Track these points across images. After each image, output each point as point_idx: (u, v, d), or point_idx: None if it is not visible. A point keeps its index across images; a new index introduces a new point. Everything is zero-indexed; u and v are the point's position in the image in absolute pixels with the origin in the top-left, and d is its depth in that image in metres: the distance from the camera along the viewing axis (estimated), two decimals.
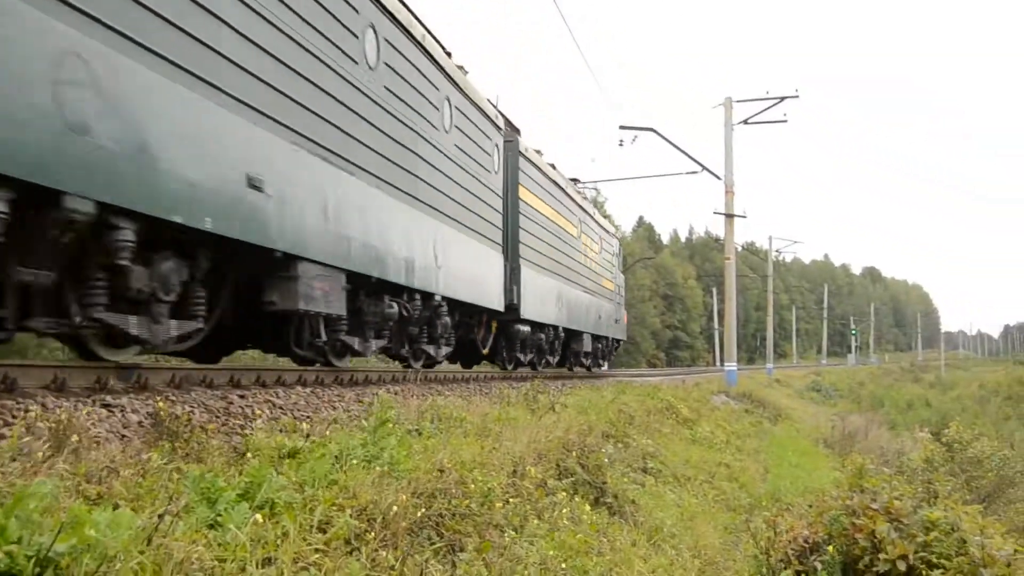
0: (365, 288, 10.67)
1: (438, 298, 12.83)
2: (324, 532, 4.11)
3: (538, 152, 20.55)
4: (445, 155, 12.99)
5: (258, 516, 3.89)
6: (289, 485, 4.43)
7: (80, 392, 6.13)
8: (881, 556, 6.37)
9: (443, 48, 13.08)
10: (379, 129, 10.45)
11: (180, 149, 6.66)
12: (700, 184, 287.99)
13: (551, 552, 5.25)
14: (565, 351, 23.66)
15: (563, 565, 5.13)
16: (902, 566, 6.24)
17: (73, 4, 5.58)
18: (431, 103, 12.34)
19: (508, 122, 17.84)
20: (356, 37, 9.77)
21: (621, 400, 14.46)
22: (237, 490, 4.14)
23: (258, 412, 6.73)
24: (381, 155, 10.52)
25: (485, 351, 17.35)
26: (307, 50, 8.63)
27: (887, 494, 7.20)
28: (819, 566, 6.68)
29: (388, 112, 10.73)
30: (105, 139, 5.87)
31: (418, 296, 12.10)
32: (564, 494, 6.79)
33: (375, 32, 10.29)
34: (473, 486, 5.46)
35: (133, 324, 6.83)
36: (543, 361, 21.71)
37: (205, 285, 7.75)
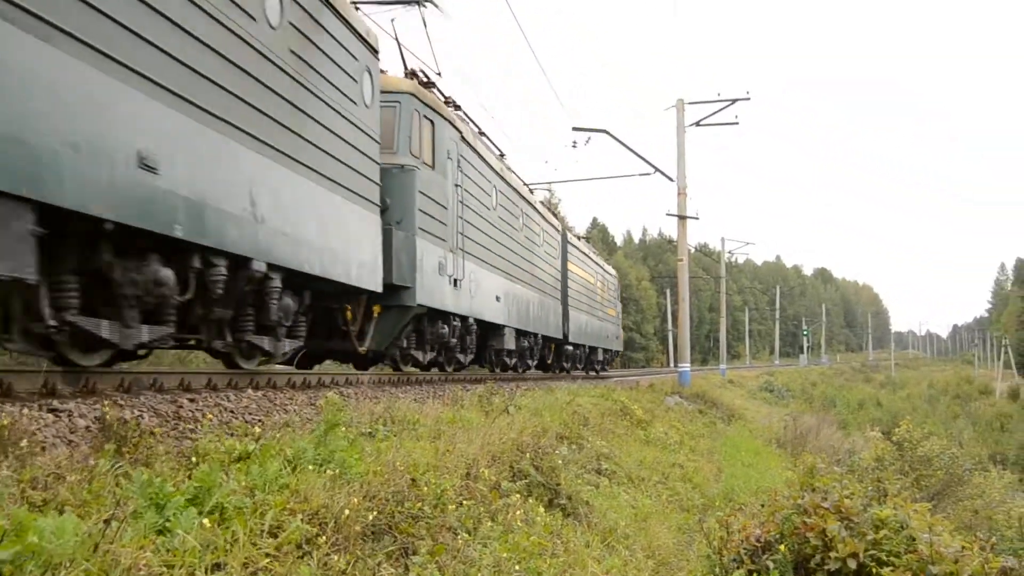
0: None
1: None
2: (275, 537, 4.07)
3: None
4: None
5: (206, 521, 3.84)
6: (239, 490, 4.39)
7: (26, 397, 6.04)
8: (832, 554, 6.43)
9: None
10: None
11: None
12: (654, 186, 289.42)
13: (505, 554, 5.24)
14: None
15: (517, 567, 5.12)
16: (852, 564, 6.30)
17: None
18: None
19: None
20: None
21: (575, 402, 14.48)
22: (186, 495, 4.09)
23: (208, 416, 6.66)
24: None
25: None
26: None
27: (838, 493, 7.26)
28: (771, 565, 6.73)
29: None
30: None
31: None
32: (518, 496, 6.77)
33: None
34: (426, 488, 5.44)
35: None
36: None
37: None
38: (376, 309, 13.29)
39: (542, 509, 6.94)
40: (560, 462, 8.52)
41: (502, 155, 21.34)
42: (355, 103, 11.85)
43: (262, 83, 9.13)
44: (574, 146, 32.00)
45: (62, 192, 6.12)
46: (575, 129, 30.45)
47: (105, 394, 6.69)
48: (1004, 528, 16.83)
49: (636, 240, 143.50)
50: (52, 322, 6.56)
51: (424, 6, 15.19)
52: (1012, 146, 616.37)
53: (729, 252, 73.42)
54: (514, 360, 23.19)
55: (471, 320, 17.54)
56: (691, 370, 32.04)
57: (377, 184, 12.69)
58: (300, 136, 10.03)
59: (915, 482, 17.49)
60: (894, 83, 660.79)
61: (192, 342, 9.31)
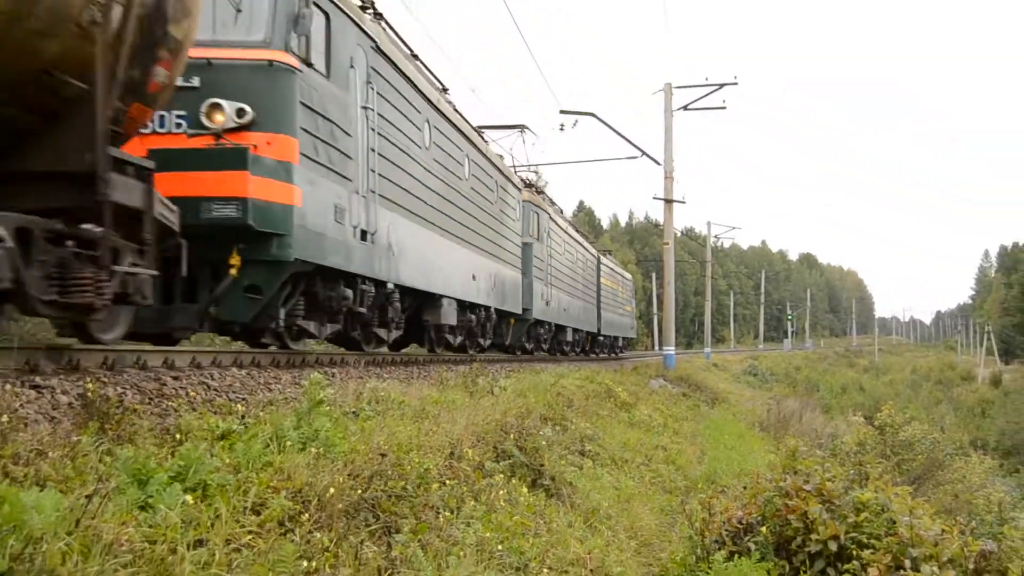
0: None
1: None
2: (258, 514, 4.07)
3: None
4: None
5: (188, 497, 3.84)
6: (222, 467, 4.39)
7: (8, 373, 6.01)
8: (813, 537, 6.47)
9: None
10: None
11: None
12: (641, 170, 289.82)
13: (488, 534, 5.26)
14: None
15: (499, 547, 5.14)
16: (833, 546, 6.34)
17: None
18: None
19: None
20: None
21: (560, 384, 14.51)
22: (169, 472, 4.09)
23: (192, 394, 6.64)
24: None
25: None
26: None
27: (819, 476, 7.31)
28: (752, 547, 6.76)
29: None
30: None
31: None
32: (501, 476, 6.80)
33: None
34: (410, 468, 5.45)
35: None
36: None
37: None
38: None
39: (525, 489, 6.97)
40: (544, 443, 8.54)
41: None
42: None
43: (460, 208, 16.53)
44: (561, 129, 31.93)
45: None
46: (563, 112, 30.41)
47: (88, 371, 6.67)
48: (984, 512, 16.96)
49: (622, 223, 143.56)
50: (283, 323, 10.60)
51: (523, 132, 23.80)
52: (996, 136, 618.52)
53: (715, 236, 73.62)
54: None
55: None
56: (676, 353, 32.14)
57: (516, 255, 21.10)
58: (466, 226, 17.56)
59: (896, 466, 17.61)
60: (881, 74, 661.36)
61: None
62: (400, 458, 5.52)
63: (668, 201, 31.03)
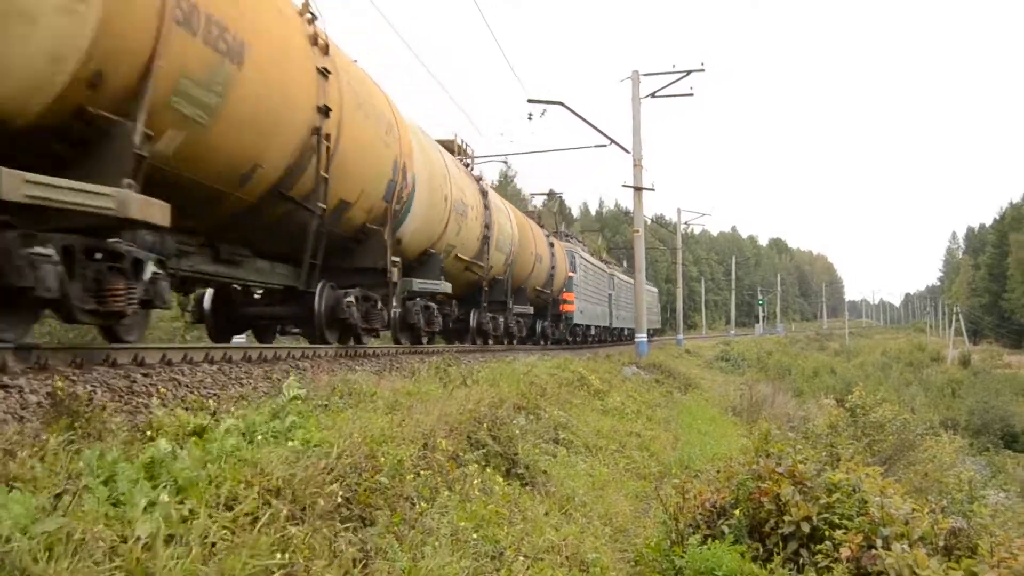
0: None
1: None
2: (231, 509, 4.06)
3: None
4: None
5: (164, 496, 3.82)
6: (194, 463, 4.36)
7: None
8: (786, 518, 6.52)
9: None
10: None
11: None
12: (610, 158, 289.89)
13: (462, 523, 5.27)
14: None
15: (474, 536, 5.15)
16: (806, 527, 6.39)
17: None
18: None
19: None
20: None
21: (533, 373, 14.52)
22: (140, 468, 4.07)
23: (162, 391, 6.61)
24: None
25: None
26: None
27: (791, 458, 7.36)
28: (726, 529, 6.81)
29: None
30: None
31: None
32: (476, 466, 6.81)
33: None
34: (383, 459, 5.45)
35: None
36: None
37: None
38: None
39: (500, 478, 6.99)
40: (517, 432, 8.56)
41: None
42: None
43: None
44: (529, 118, 31.94)
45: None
46: (531, 101, 30.38)
47: (57, 370, 6.60)
48: (954, 491, 17.13)
49: (592, 212, 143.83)
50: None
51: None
52: (963, 120, 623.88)
53: (685, 223, 73.88)
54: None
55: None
56: (648, 340, 32.24)
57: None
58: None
59: (867, 447, 17.73)
60: (849, 59, 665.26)
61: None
62: (374, 450, 5.51)
63: (637, 189, 31.10)
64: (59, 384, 5.32)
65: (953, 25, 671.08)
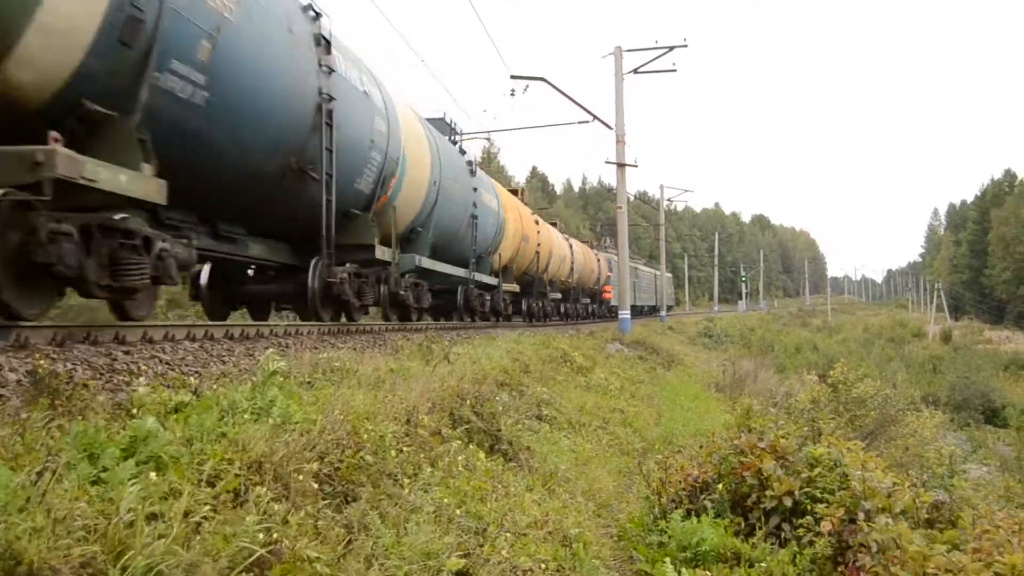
0: None
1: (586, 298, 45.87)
2: (213, 486, 4.04)
3: None
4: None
5: (153, 475, 3.81)
6: (176, 440, 4.35)
7: None
8: (768, 493, 6.55)
9: None
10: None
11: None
12: (593, 134, 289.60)
13: (446, 499, 5.27)
14: None
15: (458, 511, 5.16)
16: (788, 502, 6.43)
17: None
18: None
19: None
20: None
21: (516, 350, 14.53)
22: (120, 446, 4.05)
23: (143, 368, 6.58)
24: None
25: None
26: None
27: (773, 433, 7.39)
28: (709, 505, 6.85)
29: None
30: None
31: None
32: (458, 442, 6.81)
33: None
34: (366, 436, 5.44)
35: None
36: None
37: None
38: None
39: (483, 455, 6.99)
40: (500, 408, 8.56)
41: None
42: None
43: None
44: (512, 94, 31.86)
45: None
46: (513, 77, 30.27)
47: (37, 348, 6.57)
48: (935, 466, 17.28)
49: (576, 189, 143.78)
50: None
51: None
52: (944, 97, 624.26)
53: (668, 200, 73.83)
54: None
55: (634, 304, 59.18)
56: (631, 317, 32.30)
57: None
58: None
59: (849, 422, 17.86)
60: (831, 36, 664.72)
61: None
62: (356, 426, 5.51)
63: (620, 165, 31.06)
64: (40, 362, 5.29)
65: (938, 3, 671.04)
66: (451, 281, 21.41)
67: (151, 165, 7.91)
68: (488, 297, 24.85)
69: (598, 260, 48.34)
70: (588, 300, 46.44)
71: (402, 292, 16.55)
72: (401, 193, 16.26)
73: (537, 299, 33.03)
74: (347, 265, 13.73)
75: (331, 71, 11.89)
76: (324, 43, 11.79)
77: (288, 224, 12.41)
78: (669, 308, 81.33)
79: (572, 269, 39.04)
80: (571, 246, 40.31)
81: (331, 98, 11.80)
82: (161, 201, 8.10)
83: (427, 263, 17.71)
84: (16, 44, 6.57)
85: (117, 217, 7.75)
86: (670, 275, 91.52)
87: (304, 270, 12.51)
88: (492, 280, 25.14)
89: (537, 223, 32.24)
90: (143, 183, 7.78)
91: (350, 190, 13.38)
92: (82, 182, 6.84)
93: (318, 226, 12.25)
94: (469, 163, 22.54)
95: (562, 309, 38.95)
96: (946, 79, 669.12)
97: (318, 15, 11.79)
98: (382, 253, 14.62)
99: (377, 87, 14.73)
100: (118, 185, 7.38)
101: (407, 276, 17.02)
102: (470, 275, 22.40)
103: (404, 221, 16.91)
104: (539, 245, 31.39)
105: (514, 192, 33.65)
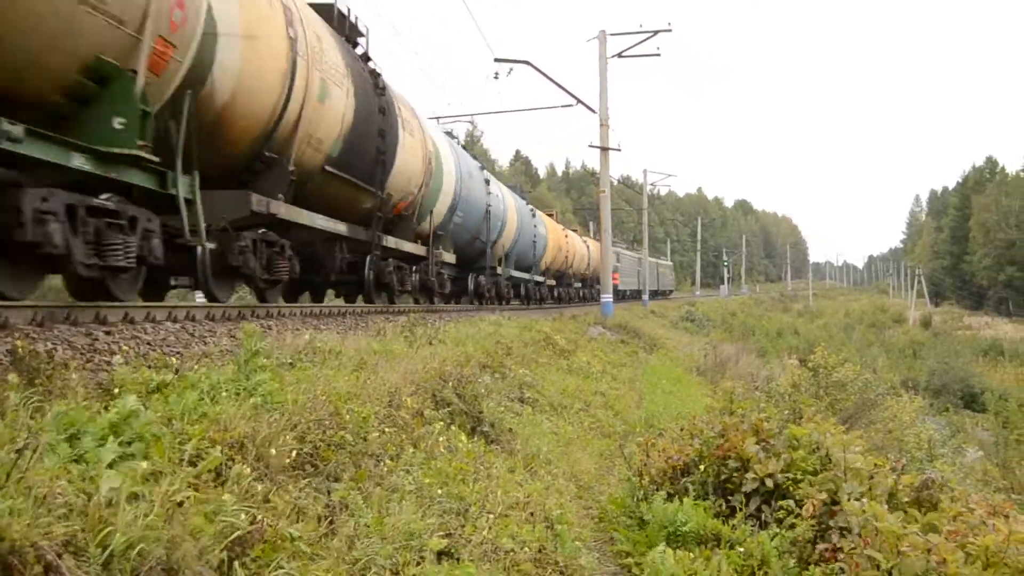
0: None
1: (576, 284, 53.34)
2: (194, 466, 4.04)
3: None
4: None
5: (135, 455, 3.79)
6: (157, 419, 4.33)
7: None
8: (748, 475, 6.58)
9: None
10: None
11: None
12: (577, 118, 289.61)
13: (428, 480, 5.28)
14: None
15: (439, 492, 5.17)
16: (770, 484, 6.46)
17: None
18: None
19: None
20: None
21: (499, 333, 14.54)
22: (102, 425, 4.03)
23: (124, 348, 6.56)
24: None
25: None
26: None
27: (754, 415, 7.42)
28: (690, 487, 6.88)
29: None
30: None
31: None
32: (441, 424, 6.82)
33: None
34: (348, 417, 5.44)
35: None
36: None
37: None
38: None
39: (464, 436, 7.00)
40: (483, 390, 8.58)
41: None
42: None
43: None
44: (496, 77, 31.77)
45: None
46: (497, 60, 30.22)
47: (17, 328, 6.54)
48: (914, 449, 17.41)
49: (559, 172, 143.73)
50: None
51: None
52: (926, 84, 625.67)
53: (651, 184, 73.89)
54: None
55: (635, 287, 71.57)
56: (614, 301, 32.36)
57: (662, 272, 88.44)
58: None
59: (829, 406, 17.94)
60: (813, 22, 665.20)
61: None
62: (339, 407, 5.51)
63: (604, 149, 31.07)
64: (20, 342, 5.27)
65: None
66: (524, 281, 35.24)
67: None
68: (537, 288, 38.91)
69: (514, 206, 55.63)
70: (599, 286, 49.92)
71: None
72: (501, 238, 29.41)
73: (565, 288, 47.89)
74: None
75: (490, 192, 27.03)
76: (486, 182, 27.15)
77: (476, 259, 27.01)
78: (671, 293, 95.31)
79: (588, 264, 52.14)
80: (588, 246, 53.95)
81: (489, 205, 26.86)
82: (452, 261, 22.77)
83: (516, 274, 32.62)
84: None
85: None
86: (671, 263, 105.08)
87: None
88: (540, 278, 38.82)
89: (567, 236, 46.18)
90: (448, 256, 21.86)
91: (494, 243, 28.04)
92: (446, 258, 18.70)
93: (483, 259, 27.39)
94: (532, 211, 36.55)
95: (581, 294, 52.65)
96: (929, 67, 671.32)
97: (482, 167, 26.91)
98: (503, 271, 30.16)
99: (491, 183, 28.49)
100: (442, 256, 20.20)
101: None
102: (532, 278, 36.15)
103: (501, 251, 29.72)
104: (567, 251, 44.90)
105: (550, 215, 48.24)
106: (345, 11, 15.62)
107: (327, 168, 13.73)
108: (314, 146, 12.98)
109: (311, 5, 13.79)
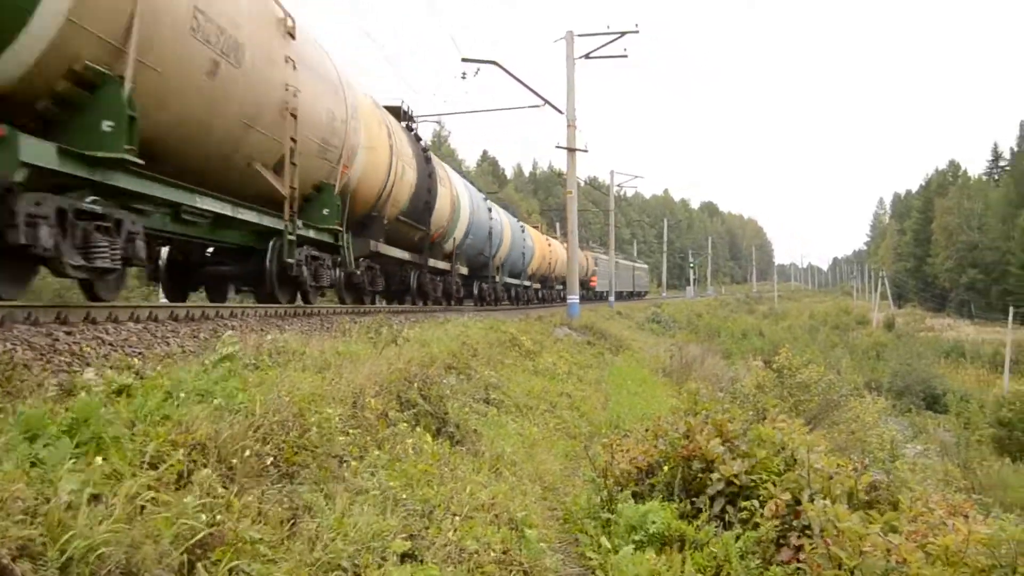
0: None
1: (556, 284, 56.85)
2: (156, 468, 4.00)
3: None
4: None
5: (99, 459, 3.75)
6: (118, 421, 4.29)
7: None
8: (713, 476, 6.60)
9: None
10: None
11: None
12: (544, 119, 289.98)
13: (392, 482, 5.26)
14: None
15: (404, 494, 5.15)
16: (735, 484, 6.48)
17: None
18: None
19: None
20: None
21: (465, 334, 14.52)
22: (61, 426, 3.99)
23: (86, 349, 6.49)
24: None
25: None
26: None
27: (718, 416, 7.45)
28: (654, 488, 6.89)
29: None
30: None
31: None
32: (405, 425, 6.80)
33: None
34: (312, 418, 5.41)
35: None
36: None
37: None
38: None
39: (430, 438, 6.98)
40: (448, 392, 8.56)
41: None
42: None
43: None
44: (463, 77, 31.80)
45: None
46: (464, 60, 30.15)
47: None
48: (876, 450, 17.57)
49: (527, 173, 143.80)
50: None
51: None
52: (891, 86, 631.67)
53: (618, 185, 74.04)
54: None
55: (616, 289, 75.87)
56: (580, 302, 32.40)
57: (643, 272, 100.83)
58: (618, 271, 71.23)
59: (793, 407, 18.08)
60: (779, 26, 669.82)
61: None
62: (302, 408, 5.48)
63: (571, 150, 31.08)
64: None
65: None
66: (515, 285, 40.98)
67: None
68: (525, 291, 44.65)
69: (587, 257, 63.56)
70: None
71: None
72: (499, 252, 34.60)
73: (548, 290, 53.34)
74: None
75: (492, 217, 31.98)
76: (489, 209, 31.86)
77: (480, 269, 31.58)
78: (646, 294, 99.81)
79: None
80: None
81: (491, 227, 31.48)
82: (465, 272, 28.77)
83: (509, 280, 38.81)
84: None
85: None
86: (646, 266, 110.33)
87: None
88: (528, 283, 45.25)
89: (550, 245, 52.11)
90: (463, 269, 28.43)
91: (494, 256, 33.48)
92: (461, 271, 24.83)
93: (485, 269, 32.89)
94: (522, 227, 42.19)
95: (562, 295, 52.78)
96: (893, 71, 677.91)
97: (486, 198, 32.37)
98: (499, 278, 34.68)
99: (492, 209, 34.21)
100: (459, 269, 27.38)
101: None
102: (521, 283, 42.80)
103: (499, 262, 35.09)
104: (550, 259, 50.38)
105: (536, 227, 54.83)
106: (406, 108, 23.50)
107: (400, 217, 20.88)
108: (394, 205, 20.14)
109: (386, 107, 21.26)
